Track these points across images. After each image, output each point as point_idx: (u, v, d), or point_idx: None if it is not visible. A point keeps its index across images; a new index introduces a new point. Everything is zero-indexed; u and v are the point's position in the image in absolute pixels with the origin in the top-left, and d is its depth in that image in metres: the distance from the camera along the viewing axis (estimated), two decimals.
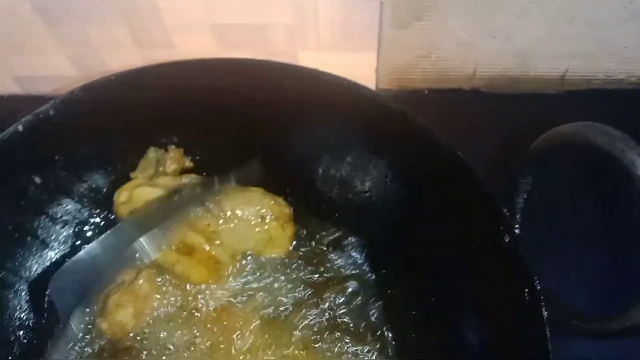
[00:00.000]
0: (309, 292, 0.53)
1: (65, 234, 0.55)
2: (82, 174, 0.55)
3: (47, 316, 0.49)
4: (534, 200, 0.46)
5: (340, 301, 0.53)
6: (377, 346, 0.51)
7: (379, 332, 0.51)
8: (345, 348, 0.51)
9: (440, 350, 0.49)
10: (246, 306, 0.52)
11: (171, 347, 0.50)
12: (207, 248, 0.52)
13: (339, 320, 0.52)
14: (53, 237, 0.54)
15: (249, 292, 0.53)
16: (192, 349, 0.50)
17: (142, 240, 0.50)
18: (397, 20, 0.56)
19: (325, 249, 0.55)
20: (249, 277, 0.54)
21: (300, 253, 0.55)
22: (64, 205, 0.54)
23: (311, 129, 0.54)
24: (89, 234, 0.56)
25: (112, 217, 0.55)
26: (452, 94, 0.64)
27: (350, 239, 0.56)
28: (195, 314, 0.52)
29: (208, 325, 0.51)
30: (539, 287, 0.41)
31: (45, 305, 0.49)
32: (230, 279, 0.53)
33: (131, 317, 0.50)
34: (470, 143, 0.49)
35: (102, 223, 0.56)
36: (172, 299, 0.52)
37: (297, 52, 0.59)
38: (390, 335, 0.52)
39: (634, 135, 0.40)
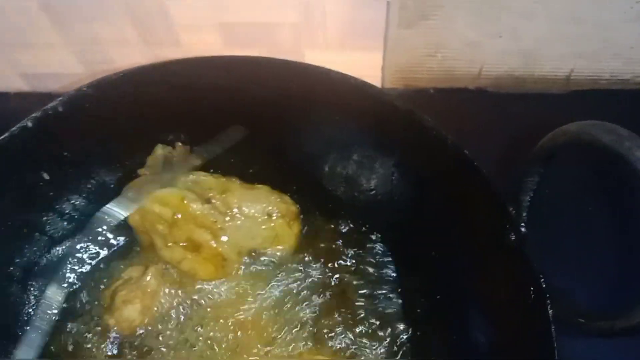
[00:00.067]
0: (315, 289, 0.53)
1: (72, 230, 0.55)
2: (90, 171, 0.55)
3: None
4: (539, 199, 0.46)
5: (346, 298, 0.53)
6: (385, 342, 0.51)
7: (388, 329, 0.52)
8: (357, 343, 0.51)
9: (446, 348, 0.49)
10: (253, 302, 0.53)
11: (179, 344, 0.50)
12: (214, 245, 0.52)
13: (345, 317, 0.52)
14: (61, 233, 0.54)
15: (256, 289, 0.53)
16: (200, 345, 0.50)
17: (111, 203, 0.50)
18: (403, 19, 0.56)
19: (331, 246, 0.55)
20: (255, 274, 0.54)
21: (306, 250, 0.55)
22: (71, 202, 0.55)
23: (317, 126, 0.54)
24: None
25: None
26: (458, 94, 0.64)
27: (356, 236, 0.56)
28: (202, 310, 0.52)
29: (216, 322, 0.52)
30: (544, 286, 0.41)
31: None
32: (237, 275, 0.53)
33: (138, 314, 0.50)
34: (476, 142, 0.48)
35: None
36: (179, 295, 0.52)
37: (303, 51, 0.60)
38: (397, 332, 0.52)
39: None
